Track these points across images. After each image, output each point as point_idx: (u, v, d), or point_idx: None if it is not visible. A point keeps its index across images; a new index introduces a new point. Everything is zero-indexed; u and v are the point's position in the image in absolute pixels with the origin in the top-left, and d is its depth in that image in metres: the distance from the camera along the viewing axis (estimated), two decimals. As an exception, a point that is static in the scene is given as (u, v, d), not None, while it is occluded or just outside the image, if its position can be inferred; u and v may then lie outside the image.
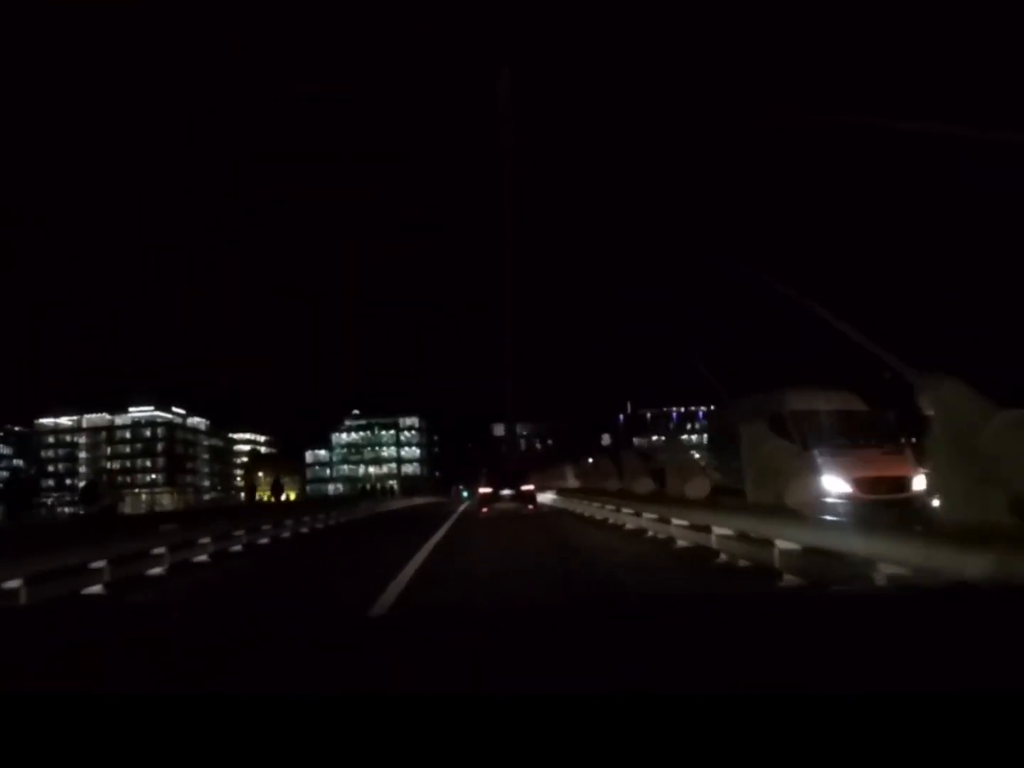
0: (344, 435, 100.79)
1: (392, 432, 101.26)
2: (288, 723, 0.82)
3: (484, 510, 21.55)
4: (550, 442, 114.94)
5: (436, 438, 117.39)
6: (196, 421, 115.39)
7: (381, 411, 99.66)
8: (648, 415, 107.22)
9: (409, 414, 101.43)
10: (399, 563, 8.76)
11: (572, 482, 26.93)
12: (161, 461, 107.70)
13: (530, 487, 22.74)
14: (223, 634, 1.50)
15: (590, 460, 26.12)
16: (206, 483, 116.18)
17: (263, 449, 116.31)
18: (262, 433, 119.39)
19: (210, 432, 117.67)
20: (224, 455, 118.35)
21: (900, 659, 1.02)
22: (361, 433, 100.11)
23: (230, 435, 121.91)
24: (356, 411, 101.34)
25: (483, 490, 23.11)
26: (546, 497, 26.32)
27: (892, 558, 4.43)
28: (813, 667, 1.01)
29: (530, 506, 21.87)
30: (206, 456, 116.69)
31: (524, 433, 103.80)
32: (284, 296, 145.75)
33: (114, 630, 1.59)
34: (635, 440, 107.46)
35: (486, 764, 0.77)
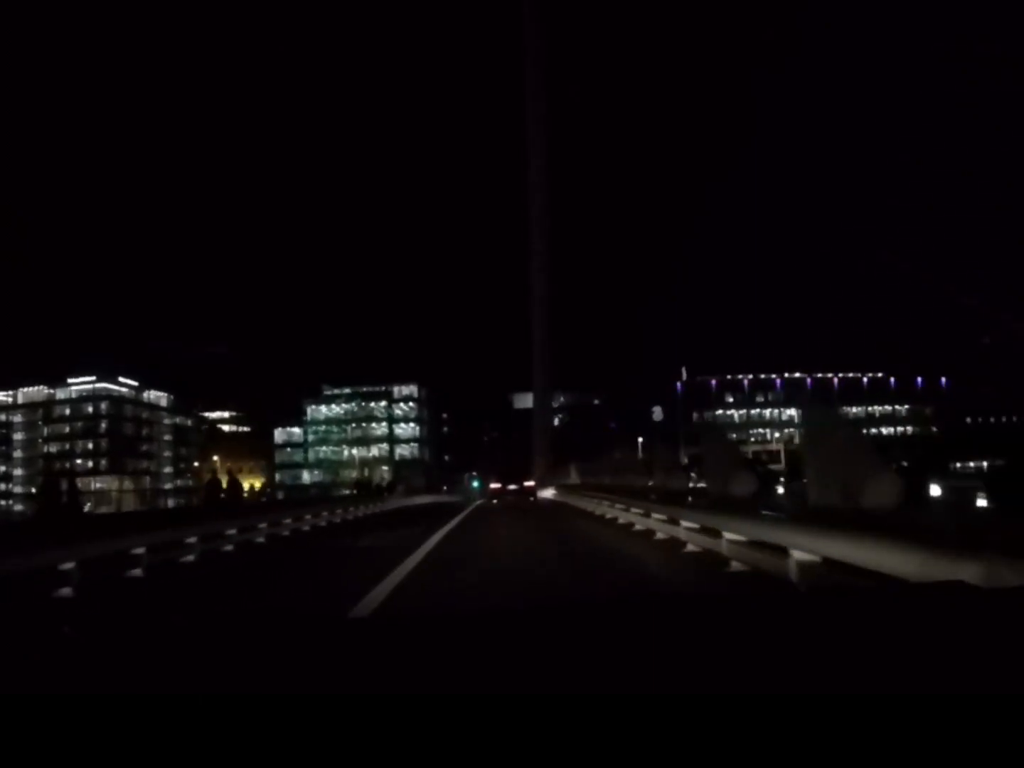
0: (323, 408, 78.82)
1: (384, 404, 79.15)
2: (280, 723, 0.82)
3: (494, 501, 32.21)
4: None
5: (445, 415, 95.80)
6: (155, 396, 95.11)
7: (372, 380, 78.10)
8: (712, 383, 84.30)
9: (405, 381, 79.57)
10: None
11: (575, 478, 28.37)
12: (104, 443, 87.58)
13: (531, 484, 35.24)
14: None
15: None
16: (168, 469, 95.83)
17: (227, 428, 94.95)
18: (236, 410, 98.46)
19: (173, 409, 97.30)
20: (192, 436, 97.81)
21: (900, 659, 1.02)
22: (344, 405, 78.05)
23: (202, 414, 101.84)
24: (334, 387, 79.67)
25: (494, 486, 35.62)
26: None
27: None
28: (813, 667, 1.00)
29: (531, 498, 32.01)
30: (168, 437, 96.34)
31: (562, 401, 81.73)
32: (260, 243, 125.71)
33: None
34: (695, 415, 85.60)
35: (484, 764, 0.76)
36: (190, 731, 0.81)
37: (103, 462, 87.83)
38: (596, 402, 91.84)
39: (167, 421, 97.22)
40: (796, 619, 1.40)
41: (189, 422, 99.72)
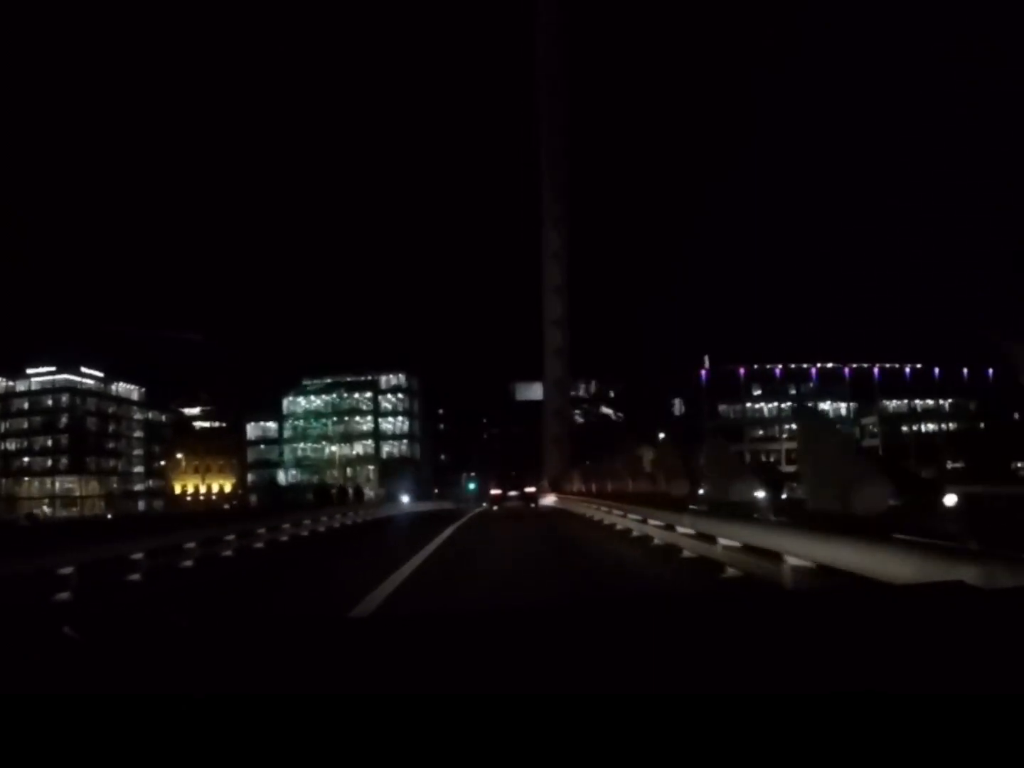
0: (301, 400, 69.85)
1: (369, 395, 70.05)
2: (280, 724, 0.82)
3: (495, 508, 31.48)
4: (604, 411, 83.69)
5: (441, 411, 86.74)
6: (124, 388, 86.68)
7: (356, 368, 69.04)
8: (741, 372, 74.91)
9: (393, 370, 70.48)
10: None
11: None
12: (64, 440, 79.19)
13: (532, 489, 33.42)
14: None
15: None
16: (138, 469, 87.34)
17: (200, 424, 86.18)
18: (206, 403, 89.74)
19: (144, 403, 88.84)
20: (167, 433, 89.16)
21: (899, 659, 1.02)
22: (324, 397, 69.02)
23: (181, 409, 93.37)
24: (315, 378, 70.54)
25: (494, 491, 34.06)
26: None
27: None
28: (812, 667, 1.00)
29: (531, 504, 31.59)
30: (138, 434, 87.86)
31: (578, 392, 72.65)
32: (238, 223, 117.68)
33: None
34: (720, 407, 76.33)
35: (482, 764, 0.76)
36: (191, 732, 0.81)
37: (63, 460, 79.58)
38: (612, 394, 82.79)
39: (138, 416, 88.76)
40: (796, 619, 1.40)
41: (163, 417, 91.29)
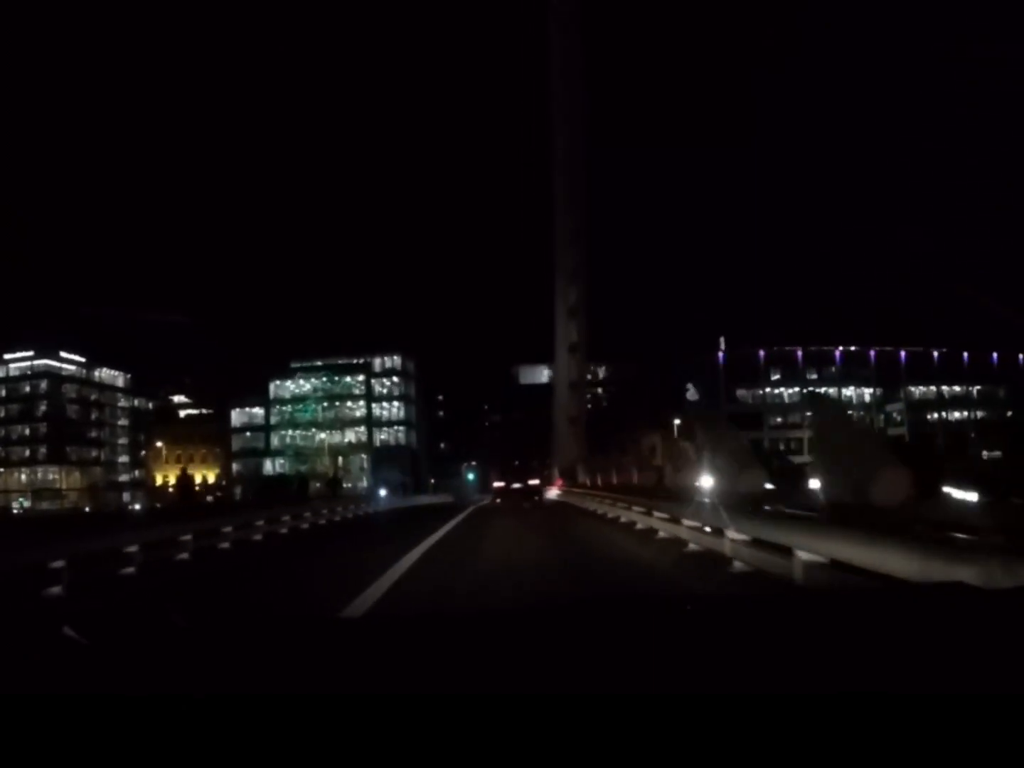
0: (289, 384, 65.31)
1: (361, 378, 65.45)
2: (280, 723, 0.83)
3: (498, 500, 31.61)
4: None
5: (441, 398, 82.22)
6: (109, 375, 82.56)
7: (348, 351, 64.48)
8: (761, 355, 70.03)
9: (387, 351, 65.80)
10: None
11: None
12: (43, 428, 75.13)
13: (536, 482, 33.69)
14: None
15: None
16: (124, 459, 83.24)
17: (185, 412, 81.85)
18: (190, 388, 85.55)
19: (130, 390, 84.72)
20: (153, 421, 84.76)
21: (900, 659, 1.02)
22: (314, 380, 64.46)
23: (170, 397, 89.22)
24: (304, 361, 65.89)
25: (497, 484, 34.84)
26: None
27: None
28: (812, 667, 1.01)
29: (536, 497, 30.84)
30: (123, 422, 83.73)
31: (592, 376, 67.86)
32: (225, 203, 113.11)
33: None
34: (739, 392, 71.51)
35: (481, 764, 0.76)
36: (187, 732, 0.81)
37: (42, 450, 75.50)
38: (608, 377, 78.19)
39: (123, 404, 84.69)
40: (796, 619, 1.41)
41: (150, 405, 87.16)
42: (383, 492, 32.42)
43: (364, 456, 63.31)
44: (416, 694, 0.89)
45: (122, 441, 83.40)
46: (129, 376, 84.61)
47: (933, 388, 77.16)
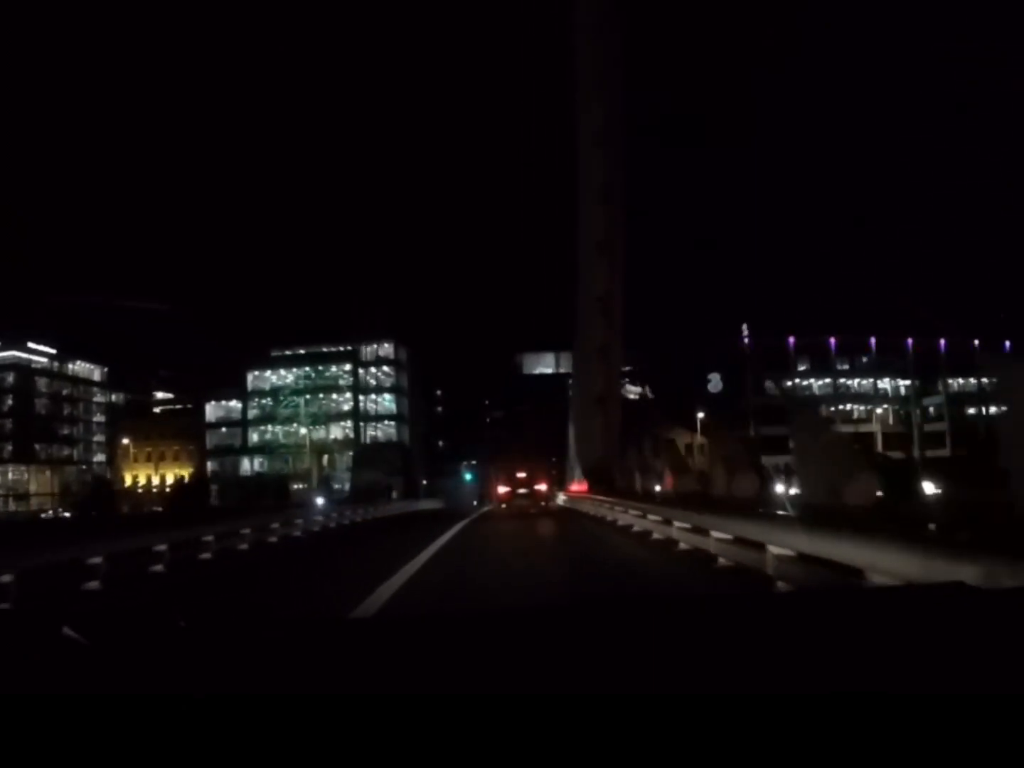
0: (269, 375, 59.23)
1: (349, 368, 59.30)
2: (283, 723, 0.83)
3: (503, 506, 26.82)
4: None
5: (439, 392, 76.06)
6: (85, 368, 76.90)
7: (334, 338, 58.36)
8: (790, 342, 63.55)
9: (377, 338, 59.64)
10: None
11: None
12: (9, 424, 69.55)
13: (543, 487, 27.19)
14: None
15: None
16: (99, 457, 77.48)
17: (161, 409, 75.92)
18: (166, 380, 79.67)
19: (108, 384, 79.01)
20: (134, 418, 78.93)
21: (900, 658, 1.03)
22: (296, 371, 58.39)
23: (154, 392, 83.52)
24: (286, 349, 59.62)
25: (502, 489, 27.96)
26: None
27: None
28: (813, 667, 1.01)
29: (543, 503, 26.23)
30: (100, 419, 77.98)
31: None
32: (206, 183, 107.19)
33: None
34: (768, 384, 65.16)
35: (481, 764, 0.76)
36: (193, 732, 0.81)
37: (8, 448, 69.93)
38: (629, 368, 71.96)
39: (99, 399, 79.01)
40: (796, 619, 1.41)
41: (133, 401, 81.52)
42: (320, 501, 26.16)
43: (351, 454, 57.32)
44: (416, 694, 0.89)
45: (98, 439, 77.73)
46: (106, 369, 78.95)
47: (973, 380, 70.44)
